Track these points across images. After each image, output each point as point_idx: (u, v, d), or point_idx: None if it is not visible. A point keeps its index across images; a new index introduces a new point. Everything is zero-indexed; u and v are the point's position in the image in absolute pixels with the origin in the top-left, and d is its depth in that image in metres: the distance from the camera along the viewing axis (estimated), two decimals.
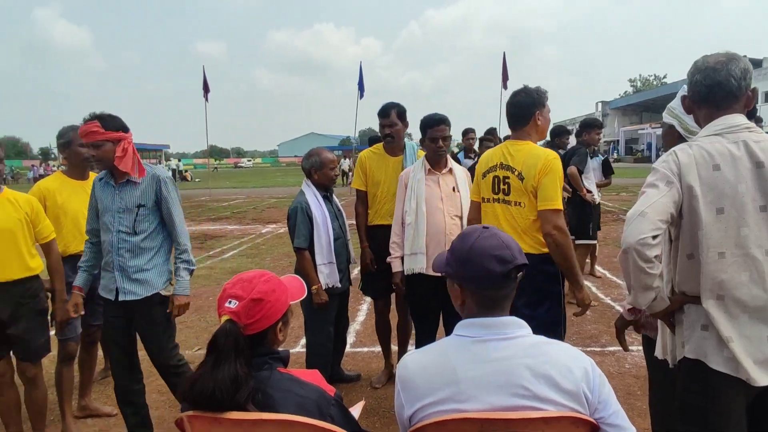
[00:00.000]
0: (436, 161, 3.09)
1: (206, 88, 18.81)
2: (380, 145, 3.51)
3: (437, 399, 1.24)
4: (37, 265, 2.71)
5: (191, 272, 2.72)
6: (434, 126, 3.03)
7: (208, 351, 1.35)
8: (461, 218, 3.02)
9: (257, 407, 1.30)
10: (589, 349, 4.14)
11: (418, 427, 1.24)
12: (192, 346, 4.43)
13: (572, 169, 5.29)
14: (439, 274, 2.60)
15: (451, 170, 3.10)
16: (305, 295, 1.55)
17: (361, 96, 18.42)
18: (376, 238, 3.42)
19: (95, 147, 2.49)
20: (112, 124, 2.51)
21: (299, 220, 3.12)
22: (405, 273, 3.10)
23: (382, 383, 3.64)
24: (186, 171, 38.09)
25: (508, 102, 2.68)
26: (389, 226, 3.27)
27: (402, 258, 3.12)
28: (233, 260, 8.15)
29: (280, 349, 1.47)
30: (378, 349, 4.25)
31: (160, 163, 32.84)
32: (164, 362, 2.71)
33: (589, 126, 5.55)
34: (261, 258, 8.27)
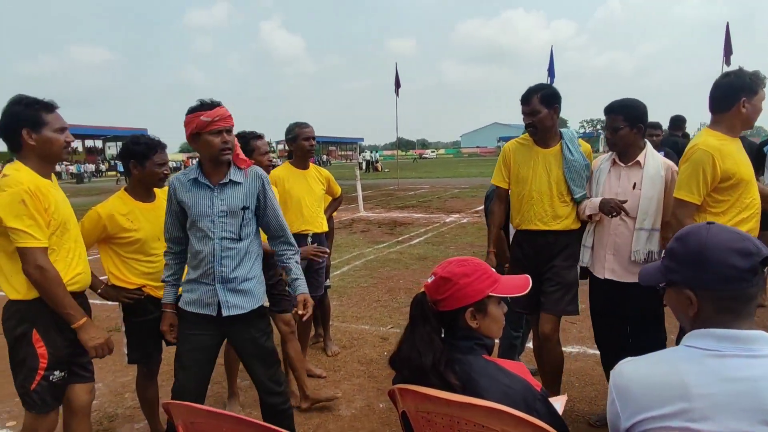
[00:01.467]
0: (617, 151, 2.73)
1: (398, 84, 19.79)
2: (527, 134, 2.94)
3: (663, 413, 1.12)
4: None
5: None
6: (605, 114, 2.71)
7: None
8: (635, 220, 2.61)
9: (462, 389, 1.35)
10: None
11: None
12: (386, 324, 4.76)
13: None
14: (624, 280, 2.31)
15: (638, 163, 2.66)
16: (525, 293, 1.52)
17: (551, 81, 17.42)
18: (523, 245, 2.93)
19: (230, 132, 2.19)
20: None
21: None
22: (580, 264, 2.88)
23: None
24: (378, 162, 40.78)
25: (714, 83, 2.45)
26: (539, 232, 2.84)
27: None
28: (420, 247, 8.49)
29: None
30: (570, 349, 4.03)
31: (358, 154, 35.46)
32: (269, 386, 2.36)
33: None
34: (446, 246, 8.46)
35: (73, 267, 2.16)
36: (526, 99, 2.79)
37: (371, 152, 48.35)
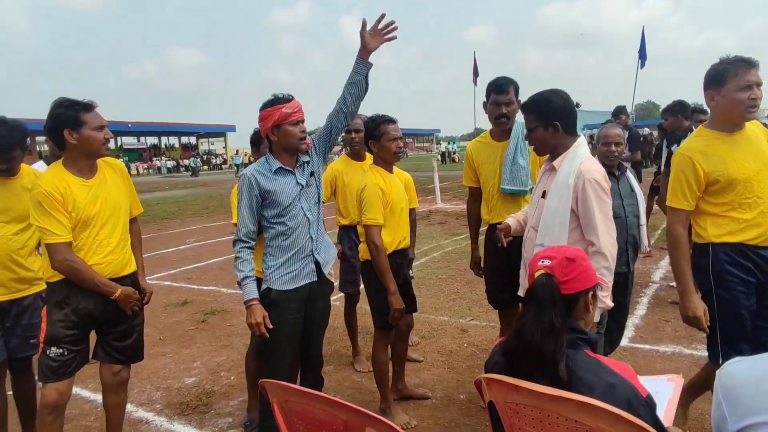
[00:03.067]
0: (541, 154, 2.39)
1: (476, 73, 19.45)
2: (486, 132, 3.02)
3: None
4: None
5: None
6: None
7: (525, 302, 1.45)
8: (537, 231, 2.27)
9: (558, 385, 1.31)
10: None
11: None
12: (465, 316, 4.71)
13: None
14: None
15: (554, 168, 2.25)
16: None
17: (642, 65, 16.30)
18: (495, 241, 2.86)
19: (303, 122, 2.40)
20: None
21: None
22: None
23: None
24: (455, 153, 40.34)
25: None
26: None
27: None
28: None
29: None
30: (665, 349, 3.79)
31: (436, 145, 35.32)
32: (321, 366, 2.66)
33: None
34: None
35: (88, 258, 2.32)
36: (503, 88, 2.79)
37: (448, 143, 47.91)
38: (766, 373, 1.09)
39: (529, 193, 2.83)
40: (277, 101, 2.32)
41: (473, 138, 3.95)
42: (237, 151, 53.24)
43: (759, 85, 2.17)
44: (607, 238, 2.07)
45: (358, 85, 2.40)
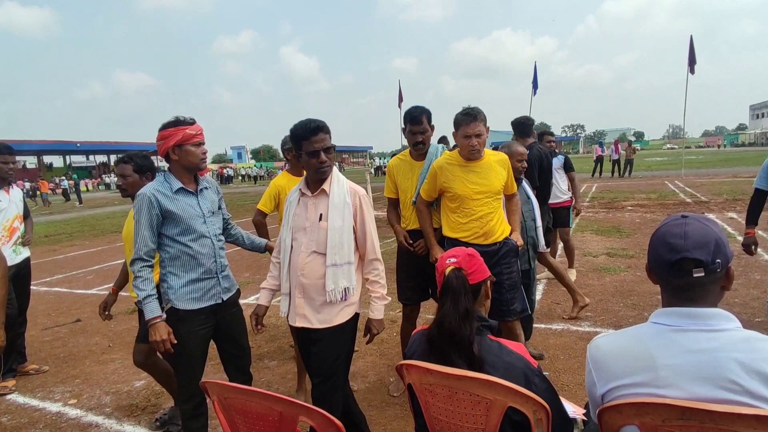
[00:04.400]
0: (313, 179, 2.16)
1: (401, 98, 19.80)
2: (407, 151, 3.05)
3: (632, 382, 1.13)
4: None
5: None
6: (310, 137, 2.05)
7: (441, 294, 1.49)
8: (325, 256, 2.07)
9: (479, 361, 1.36)
10: None
11: (613, 405, 1.14)
12: (394, 308, 4.74)
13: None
14: (315, 326, 2.12)
15: (324, 192, 2.12)
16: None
17: (534, 93, 17.36)
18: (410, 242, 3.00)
19: (204, 144, 2.22)
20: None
21: None
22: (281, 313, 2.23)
23: (400, 391, 3.09)
24: (386, 166, 40.63)
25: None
26: (418, 231, 2.93)
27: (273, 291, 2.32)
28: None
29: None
30: (555, 327, 4.02)
31: (368, 159, 35.34)
32: (247, 364, 2.41)
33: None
34: None
35: None
36: (418, 119, 2.87)
37: (380, 158, 48.31)
38: (625, 345, 1.19)
39: (435, 207, 2.90)
40: (179, 123, 2.15)
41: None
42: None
43: (478, 135, 2.57)
44: (377, 245, 2.17)
45: (256, 250, 2.66)
